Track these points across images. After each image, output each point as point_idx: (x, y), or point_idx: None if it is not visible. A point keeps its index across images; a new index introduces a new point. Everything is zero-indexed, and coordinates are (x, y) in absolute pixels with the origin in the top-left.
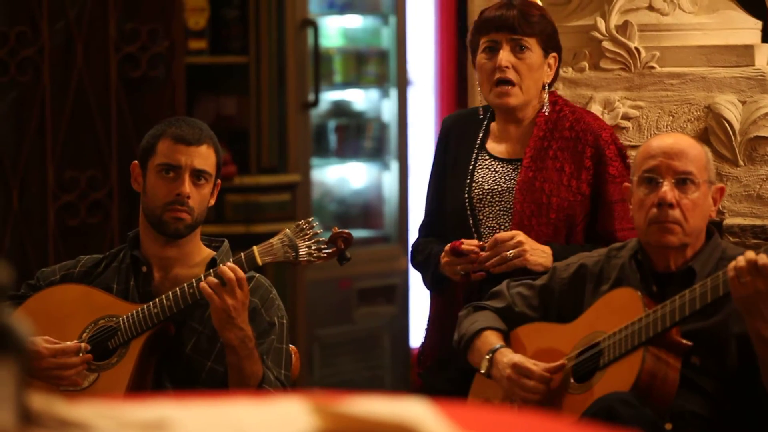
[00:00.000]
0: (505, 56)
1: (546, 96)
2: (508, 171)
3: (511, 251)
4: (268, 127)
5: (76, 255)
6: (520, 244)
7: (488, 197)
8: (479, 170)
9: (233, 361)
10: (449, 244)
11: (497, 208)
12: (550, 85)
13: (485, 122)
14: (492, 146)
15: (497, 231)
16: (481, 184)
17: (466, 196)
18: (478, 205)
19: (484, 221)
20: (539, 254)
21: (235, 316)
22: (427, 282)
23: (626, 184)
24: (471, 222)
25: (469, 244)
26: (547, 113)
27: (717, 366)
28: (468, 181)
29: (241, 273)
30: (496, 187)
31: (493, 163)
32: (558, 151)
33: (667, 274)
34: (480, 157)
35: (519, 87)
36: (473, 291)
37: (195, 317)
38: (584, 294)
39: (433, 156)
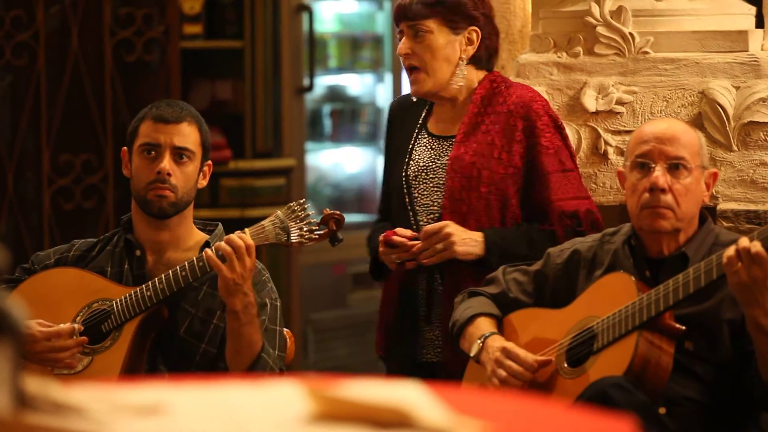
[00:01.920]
0: (402, 44)
1: (463, 71)
2: (443, 147)
3: (439, 244)
4: (263, 111)
5: (71, 239)
6: (447, 236)
7: (422, 174)
8: (417, 148)
9: (234, 326)
10: (383, 235)
11: (431, 184)
12: (482, 59)
13: (428, 103)
14: (431, 125)
15: (431, 208)
16: (417, 161)
17: (404, 174)
18: (413, 182)
19: (419, 198)
20: (469, 243)
21: (241, 282)
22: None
23: (619, 169)
24: (407, 200)
25: (400, 234)
26: (483, 91)
27: (710, 351)
28: (407, 159)
29: (250, 240)
30: (430, 164)
31: (430, 140)
32: (490, 125)
33: (660, 259)
34: (420, 137)
35: (425, 72)
36: (406, 282)
37: (188, 300)
38: (578, 279)
39: (384, 142)
